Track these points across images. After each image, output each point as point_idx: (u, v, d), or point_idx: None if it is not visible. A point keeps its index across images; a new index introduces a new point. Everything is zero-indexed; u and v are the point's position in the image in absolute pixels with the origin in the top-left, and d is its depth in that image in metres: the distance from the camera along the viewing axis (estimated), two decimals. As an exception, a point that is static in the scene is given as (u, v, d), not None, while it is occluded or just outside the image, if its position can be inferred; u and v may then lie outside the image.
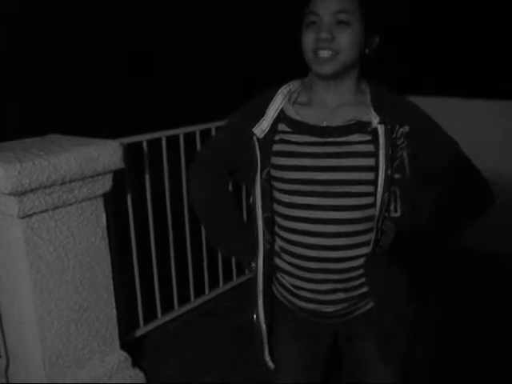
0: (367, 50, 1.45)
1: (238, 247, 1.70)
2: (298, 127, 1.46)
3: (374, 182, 1.40)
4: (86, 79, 5.31)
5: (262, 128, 1.48)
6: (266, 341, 1.65)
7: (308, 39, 1.40)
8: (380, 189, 1.39)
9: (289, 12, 1.53)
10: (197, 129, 3.21)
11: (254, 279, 1.59)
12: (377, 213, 1.42)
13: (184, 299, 3.36)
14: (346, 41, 1.37)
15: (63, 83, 5.19)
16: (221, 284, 3.57)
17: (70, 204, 2.34)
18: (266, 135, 1.48)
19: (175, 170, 3.15)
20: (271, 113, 1.49)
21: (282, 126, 1.49)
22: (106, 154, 2.36)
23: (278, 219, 1.52)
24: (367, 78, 1.53)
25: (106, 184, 2.44)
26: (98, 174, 2.37)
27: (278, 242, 1.55)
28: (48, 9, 5.18)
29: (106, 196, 2.50)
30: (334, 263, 1.47)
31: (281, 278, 1.59)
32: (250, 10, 6.29)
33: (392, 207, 1.43)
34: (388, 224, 1.46)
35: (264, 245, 1.55)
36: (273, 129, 1.48)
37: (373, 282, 1.50)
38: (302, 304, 1.56)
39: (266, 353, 1.67)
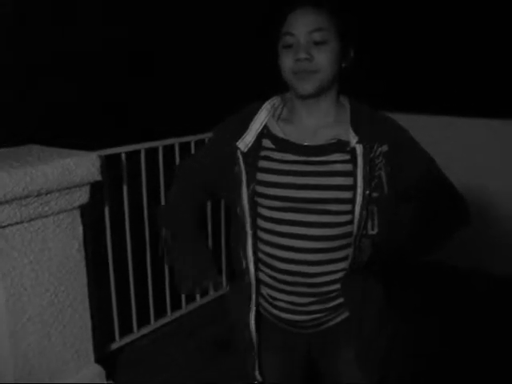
0: (344, 64, 1.46)
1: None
2: (282, 145, 1.48)
3: (352, 201, 1.42)
4: (67, 89, 5.28)
5: (245, 142, 1.48)
6: (256, 355, 1.64)
7: (287, 60, 1.41)
8: (358, 207, 1.41)
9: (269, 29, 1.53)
10: (176, 141, 3.20)
11: (246, 293, 1.57)
12: (354, 230, 1.44)
13: (160, 313, 3.33)
14: (325, 60, 1.39)
15: (42, 93, 5.14)
16: (197, 298, 3.55)
17: (46, 216, 2.31)
18: (249, 150, 1.48)
19: (154, 183, 3.14)
20: (255, 127, 1.50)
21: (266, 142, 1.50)
22: (84, 165, 2.34)
23: (260, 233, 1.53)
24: (348, 93, 1.55)
25: (83, 196, 2.42)
26: (75, 186, 2.35)
27: (258, 255, 1.55)
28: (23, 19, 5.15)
29: (83, 208, 2.48)
30: (311, 278, 1.49)
31: (260, 289, 1.60)
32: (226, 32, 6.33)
33: (369, 225, 1.45)
34: (365, 241, 1.47)
35: (254, 260, 1.54)
36: (257, 144, 1.49)
37: (349, 295, 1.52)
38: (278, 313, 1.57)
39: (257, 366, 1.66)
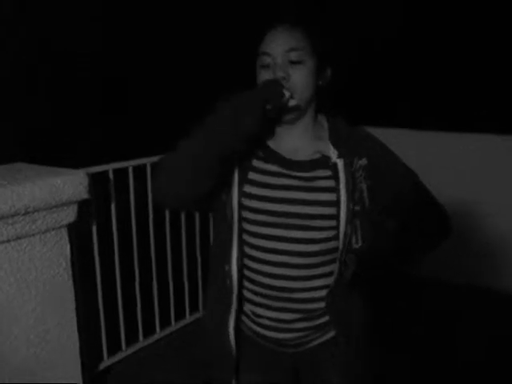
0: (321, 82, 1.48)
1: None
2: (270, 155, 1.48)
3: (337, 216, 1.42)
4: (57, 107, 5.29)
5: None
6: (234, 375, 1.61)
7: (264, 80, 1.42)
8: (343, 222, 1.42)
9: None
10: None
11: (226, 310, 1.54)
12: (340, 245, 1.45)
13: (149, 330, 3.31)
14: (301, 79, 1.41)
15: (31, 111, 5.14)
16: (187, 315, 3.53)
17: (33, 234, 2.29)
18: (242, 158, 1.47)
19: (142, 200, 3.13)
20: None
21: (256, 150, 1.49)
22: (72, 184, 2.32)
23: (245, 248, 1.52)
24: (325, 111, 1.57)
25: (70, 214, 2.40)
26: (63, 205, 2.33)
27: (243, 271, 1.54)
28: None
29: (70, 226, 2.47)
30: (295, 293, 1.48)
31: (242, 306, 1.58)
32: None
33: (353, 239, 1.46)
34: (349, 255, 1.48)
35: (238, 277, 1.52)
36: (249, 151, 1.47)
37: (335, 312, 1.51)
38: (262, 331, 1.55)
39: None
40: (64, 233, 2.44)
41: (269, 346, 1.59)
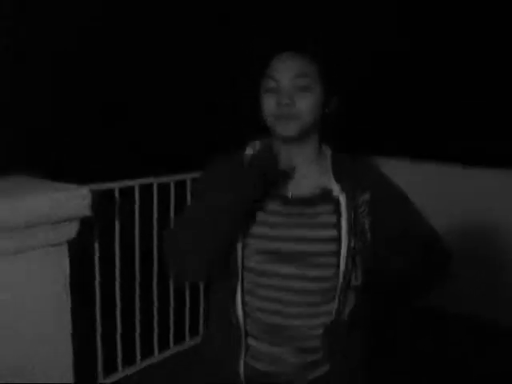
0: (327, 110, 1.46)
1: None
2: (271, 193, 1.45)
3: (337, 253, 1.40)
4: (59, 121, 5.32)
5: None
6: None
7: (268, 104, 1.41)
8: (343, 259, 1.39)
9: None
10: (171, 179, 3.18)
11: (236, 344, 1.51)
12: (340, 282, 1.41)
13: (147, 352, 3.26)
14: (307, 106, 1.39)
15: (37, 123, 5.17)
16: (187, 338, 3.48)
17: (33, 249, 2.27)
18: None
19: (148, 220, 3.11)
20: None
21: None
22: (74, 199, 2.31)
23: (246, 285, 1.49)
24: (329, 142, 1.55)
25: (71, 230, 2.38)
26: (64, 220, 2.31)
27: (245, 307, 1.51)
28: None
29: (70, 243, 2.44)
30: (293, 330, 1.45)
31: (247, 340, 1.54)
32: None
33: (353, 276, 1.43)
34: (349, 293, 1.45)
35: (243, 313, 1.50)
36: None
37: (331, 350, 1.47)
38: (257, 365, 1.51)
39: None
40: (64, 249, 2.41)
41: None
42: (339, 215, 1.40)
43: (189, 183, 3.26)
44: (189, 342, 3.46)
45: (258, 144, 1.52)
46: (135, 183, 2.97)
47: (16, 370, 2.29)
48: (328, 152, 1.52)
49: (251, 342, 1.51)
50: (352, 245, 1.39)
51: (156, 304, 3.22)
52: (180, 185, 3.23)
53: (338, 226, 1.40)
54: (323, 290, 1.43)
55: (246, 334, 1.51)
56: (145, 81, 6.14)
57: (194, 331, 3.51)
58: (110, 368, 3.04)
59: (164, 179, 3.14)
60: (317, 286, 1.43)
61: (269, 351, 1.48)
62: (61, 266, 2.41)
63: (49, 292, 2.37)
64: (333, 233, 1.40)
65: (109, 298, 3.00)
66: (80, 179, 2.66)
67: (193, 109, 6.36)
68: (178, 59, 6.48)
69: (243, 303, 1.48)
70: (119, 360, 3.07)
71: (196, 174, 3.27)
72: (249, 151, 1.50)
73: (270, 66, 1.42)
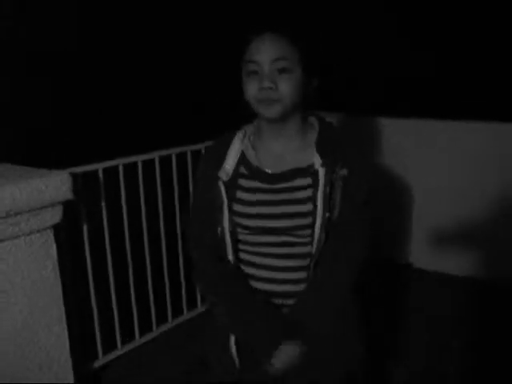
0: (308, 91, 1.49)
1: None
2: (254, 172, 1.53)
3: (312, 226, 1.46)
4: (48, 108, 5.30)
5: (225, 171, 1.53)
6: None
7: (251, 88, 1.44)
8: (317, 230, 1.45)
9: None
10: (156, 155, 3.16)
11: None
12: (313, 251, 1.48)
13: (145, 328, 3.29)
14: (288, 88, 1.42)
15: (19, 111, 5.14)
16: (184, 311, 3.51)
17: (17, 237, 2.28)
18: (230, 179, 1.52)
19: (134, 198, 3.11)
20: (233, 156, 1.54)
21: (242, 169, 1.54)
22: (54, 185, 2.30)
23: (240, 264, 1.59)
24: (317, 114, 1.59)
25: (55, 215, 2.38)
26: (47, 206, 2.31)
27: None
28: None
29: (56, 227, 2.45)
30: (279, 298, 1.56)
31: None
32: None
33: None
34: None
35: None
36: (236, 172, 1.53)
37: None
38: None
39: None
40: (50, 234, 2.42)
41: None
42: (316, 189, 1.44)
43: (174, 159, 3.25)
44: (185, 316, 3.49)
45: (248, 127, 1.60)
46: (119, 162, 2.95)
47: (8, 356, 2.32)
48: (316, 125, 1.55)
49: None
50: (325, 218, 1.44)
51: (151, 280, 3.24)
52: (166, 160, 3.22)
53: (314, 199, 1.45)
54: (302, 254, 1.51)
55: None
56: (127, 60, 6.07)
57: (191, 304, 3.54)
58: (108, 347, 3.08)
59: (148, 156, 3.12)
60: (297, 250, 1.51)
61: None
62: (48, 251, 2.42)
63: (38, 277, 2.39)
64: (309, 207, 1.45)
65: (103, 277, 3.02)
66: (65, 163, 2.67)
67: (180, 91, 6.31)
68: (160, 40, 6.40)
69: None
70: (118, 337, 3.11)
71: (181, 149, 3.27)
72: (240, 133, 1.58)
73: (249, 50, 1.44)
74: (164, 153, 3.21)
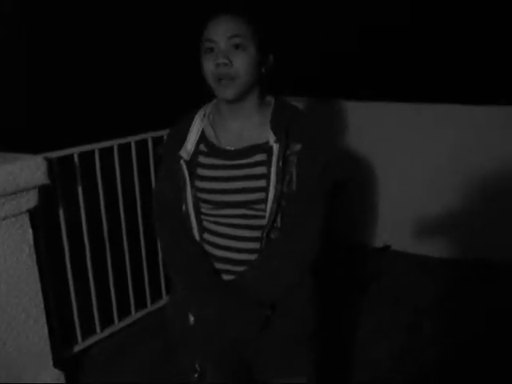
0: (264, 69, 1.54)
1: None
2: (213, 149, 1.59)
3: (265, 200, 1.52)
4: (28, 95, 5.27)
5: (187, 150, 1.59)
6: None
7: (208, 65, 1.49)
8: (269, 202, 1.52)
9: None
10: (132, 140, 3.17)
11: None
12: (265, 223, 1.55)
13: (124, 313, 3.31)
14: (243, 64, 1.47)
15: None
16: (164, 295, 3.53)
17: (-8, 221, 2.28)
18: (191, 157, 1.59)
19: (111, 183, 3.12)
20: (193, 135, 1.61)
21: (202, 147, 1.60)
22: (29, 169, 2.31)
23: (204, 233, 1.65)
24: (273, 92, 1.63)
25: (30, 200, 2.39)
26: (21, 191, 2.32)
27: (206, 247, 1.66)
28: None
29: (32, 212, 2.45)
30: (239, 265, 1.61)
31: None
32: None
33: (279, 218, 1.55)
34: (274, 233, 1.57)
35: None
36: (196, 150, 1.60)
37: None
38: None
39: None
40: (25, 218, 2.43)
41: None
42: (270, 164, 1.50)
43: (150, 142, 3.26)
44: (164, 301, 3.51)
45: (207, 106, 1.65)
46: (95, 147, 2.95)
47: (-13, 341, 2.33)
48: (272, 102, 1.60)
49: None
50: (278, 193, 1.50)
51: (129, 264, 3.25)
52: (141, 144, 3.23)
53: (267, 176, 1.51)
54: (258, 226, 1.56)
55: None
56: (97, 43, 6.03)
57: (169, 288, 3.55)
58: (86, 332, 3.09)
59: (124, 140, 3.12)
60: (253, 222, 1.56)
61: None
62: (24, 235, 2.43)
63: (14, 261, 2.40)
64: (263, 183, 1.51)
65: (82, 261, 3.03)
66: (42, 147, 2.66)
67: (146, 72, 6.29)
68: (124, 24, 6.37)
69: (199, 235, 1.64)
70: (97, 322, 3.12)
71: (158, 133, 3.28)
72: (200, 112, 1.64)
73: (206, 29, 1.50)
74: (139, 137, 3.21)
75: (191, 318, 1.64)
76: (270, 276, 1.56)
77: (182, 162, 1.59)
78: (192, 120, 1.63)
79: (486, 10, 6.58)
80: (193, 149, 1.59)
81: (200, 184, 1.57)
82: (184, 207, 1.63)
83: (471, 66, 6.47)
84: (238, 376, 1.74)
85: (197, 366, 1.69)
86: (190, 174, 1.58)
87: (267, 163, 1.51)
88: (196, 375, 1.70)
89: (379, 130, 4.22)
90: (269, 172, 1.51)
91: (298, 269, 1.59)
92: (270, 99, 1.61)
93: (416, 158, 4.16)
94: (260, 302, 1.53)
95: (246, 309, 1.53)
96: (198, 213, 1.61)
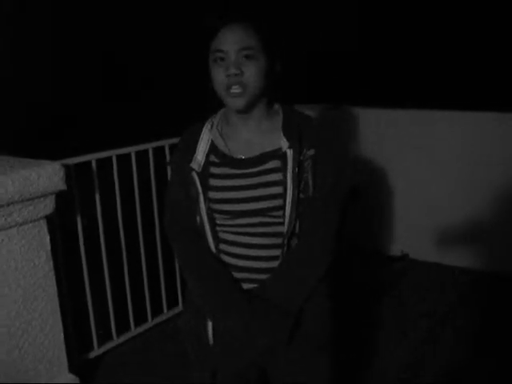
0: (272, 77, 1.55)
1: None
2: (224, 159, 1.59)
3: (283, 207, 1.52)
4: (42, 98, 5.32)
5: (197, 162, 1.59)
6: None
7: (218, 76, 1.50)
8: (288, 209, 1.52)
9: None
10: (149, 146, 3.18)
11: None
12: (285, 230, 1.54)
13: (140, 319, 3.31)
14: (254, 75, 1.48)
15: (16, 103, 5.15)
16: (180, 302, 3.53)
17: (10, 227, 2.30)
18: (203, 168, 1.59)
19: (129, 188, 3.13)
20: (203, 145, 1.61)
21: (212, 157, 1.60)
22: (47, 175, 2.32)
23: (220, 244, 1.63)
24: (280, 100, 1.65)
25: (48, 206, 2.40)
26: (39, 197, 2.33)
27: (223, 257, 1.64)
28: None
29: (49, 218, 2.47)
30: (258, 274, 1.60)
31: None
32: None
33: (298, 225, 1.55)
34: (294, 240, 1.57)
35: None
36: (207, 161, 1.59)
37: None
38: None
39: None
40: (43, 224, 2.44)
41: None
42: (285, 171, 1.50)
43: (167, 149, 3.27)
44: (180, 308, 3.50)
45: (215, 117, 1.66)
46: (112, 153, 2.97)
47: (3, 346, 2.34)
48: (280, 111, 1.61)
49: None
50: (295, 198, 1.51)
51: (146, 270, 3.26)
52: (159, 151, 3.24)
53: (284, 182, 1.51)
54: (276, 233, 1.56)
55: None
56: (113, 51, 6.07)
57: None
58: (103, 338, 3.10)
59: (141, 147, 3.13)
60: (272, 229, 1.56)
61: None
62: (41, 241, 2.45)
63: (31, 267, 2.41)
64: (279, 190, 1.51)
65: (100, 268, 3.04)
66: (59, 154, 2.68)
67: (166, 79, 6.33)
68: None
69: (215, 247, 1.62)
70: (113, 328, 3.13)
71: (175, 140, 3.28)
72: (208, 124, 1.64)
73: (216, 39, 1.50)
74: (156, 144, 3.23)
75: (209, 328, 1.63)
76: (294, 283, 1.55)
77: (193, 173, 1.59)
78: (200, 131, 1.63)
79: (502, 17, 6.52)
80: (203, 160, 1.59)
81: (214, 195, 1.57)
82: (199, 219, 1.62)
83: (492, 72, 6.41)
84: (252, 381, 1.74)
85: (209, 377, 1.69)
86: (203, 185, 1.58)
87: (282, 169, 1.51)
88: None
89: (397, 136, 4.19)
90: (285, 178, 1.51)
91: (317, 274, 1.58)
92: (278, 108, 1.62)
93: (434, 165, 4.12)
94: (286, 310, 1.53)
95: (275, 316, 1.52)
96: (212, 224, 1.60)
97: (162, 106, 6.14)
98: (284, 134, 1.53)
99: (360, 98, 4.60)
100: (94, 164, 2.88)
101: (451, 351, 3.01)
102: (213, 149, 1.60)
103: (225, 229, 1.60)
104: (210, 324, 1.62)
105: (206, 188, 1.57)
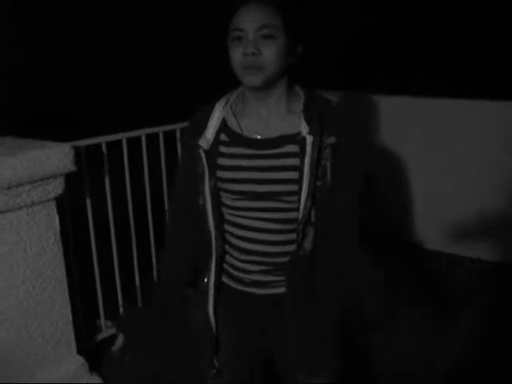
0: (292, 59, 1.51)
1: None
2: (236, 139, 1.55)
3: (298, 193, 1.48)
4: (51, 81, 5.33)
5: (206, 139, 1.56)
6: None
7: (235, 54, 1.47)
8: (303, 198, 1.48)
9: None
10: (159, 130, 3.16)
11: (207, 278, 1.66)
12: (300, 217, 1.51)
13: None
14: (272, 55, 1.44)
15: (25, 86, 5.17)
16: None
17: (19, 208, 2.30)
18: (211, 146, 1.55)
19: (138, 172, 3.12)
20: (213, 123, 1.57)
21: (223, 136, 1.57)
22: (56, 157, 2.32)
23: (226, 225, 1.62)
24: (302, 83, 1.59)
25: (57, 187, 2.40)
26: (48, 178, 2.33)
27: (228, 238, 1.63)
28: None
29: (58, 199, 2.46)
30: (266, 257, 1.58)
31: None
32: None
33: (313, 212, 1.51)
34: (309, 228, 1.54)
35: (216, 250, 1.63)
36: (216, 140, 1.56)
37: (291, 276, 1.57)
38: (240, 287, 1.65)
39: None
40: (52, 206, 2.44)
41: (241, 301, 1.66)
42: (303, 156, 1.46)
43: (178, 133, 3.25)
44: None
45: (230, 94, 1.62)
46: (122, 136, 2.96)
47: (12, 324, 2.35)
48: (302, 94, 1.56)
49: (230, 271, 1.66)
50: (312, 186, 1.46)
51: (154, 251, 3.26)
52: (169, 134, 3.23)
53: (301, 167, 1.46)
54: (287, 219, 1.53)
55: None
56: (126, 33, 6.03)
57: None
58: (111, 319, 3.11)
59: (152, 130, 3.12)
60: (282, 215, 1.53)
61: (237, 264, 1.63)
62: (50, 222, 2.44)
63: (40, 248, 2.41)
64: (295, 175, 1.47)
65: (107, 247, 3.04)
66: (71, 136, 2.67)
67: (176, 61, 6.28)
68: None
69: (217, 227, 1.60)
70: (121, 310, 3.13)
71: (185, 124, 3.26)
72: (222, 101, 1.61)
73: (235, 18, 1.47)
74: (168, 128, 3.21)
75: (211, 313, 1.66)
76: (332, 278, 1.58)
77: (200, 151, 1.56)
78: (212, 108, 1.60)
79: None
80: (212, 138, 1.56)
81: (223, 174, 1.54)
82: (201, 199, 1.60)
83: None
84: (256, 375, 1.74)
85: (215, 362, 1.69)
86: (210, 163, 1.55)
87: (300, 155, 1.47)
88: (214, 371, 1.69)
89: (413, 125, 4.14)
90: (302, 163, 1.46)
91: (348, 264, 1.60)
92: (299, 90, 1.57)
93: (450, 155, 4.07)
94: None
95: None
96: (216, 204, 1.58)
97: (175, 90, 6.11)
98: (305, 119, 1.49)
99: (378, 86, 4.55)
100: (104, 146, 2.87)
101: (469, 348, 2.97)
102: (224, 127, 1.57)
103: (232, 211, 1.58)
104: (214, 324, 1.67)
105: (214, 167, 1.54)
